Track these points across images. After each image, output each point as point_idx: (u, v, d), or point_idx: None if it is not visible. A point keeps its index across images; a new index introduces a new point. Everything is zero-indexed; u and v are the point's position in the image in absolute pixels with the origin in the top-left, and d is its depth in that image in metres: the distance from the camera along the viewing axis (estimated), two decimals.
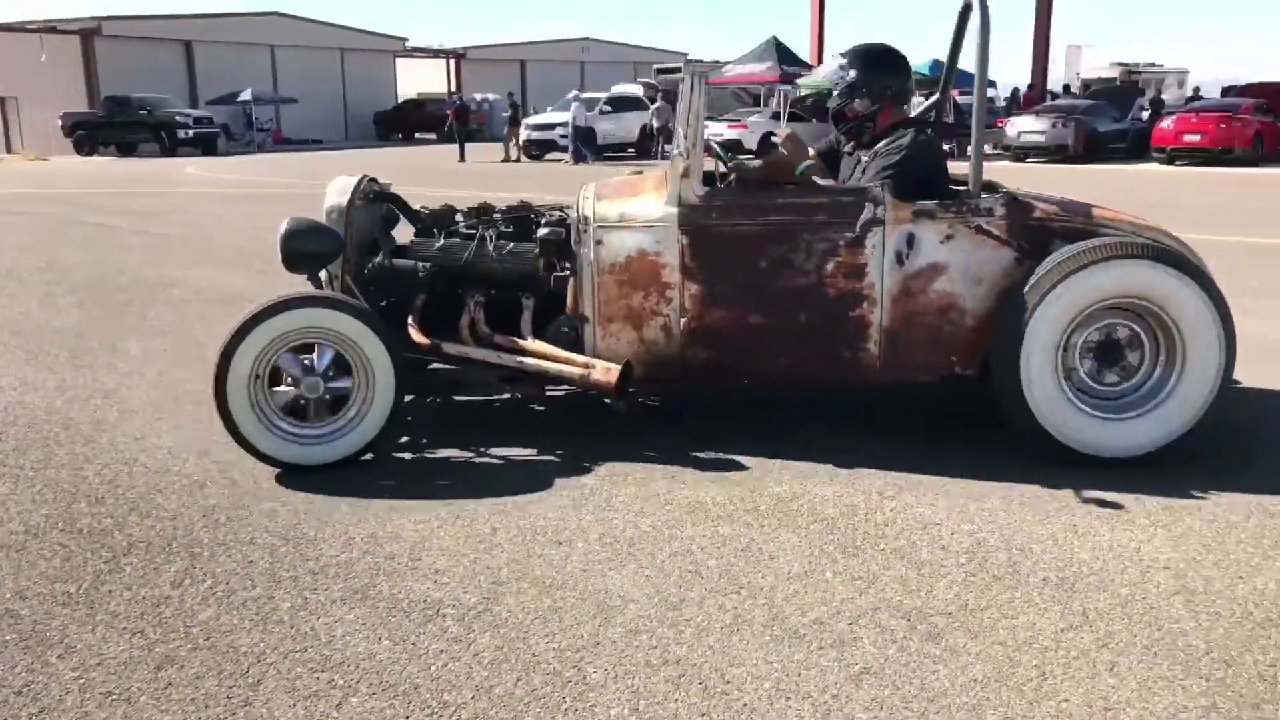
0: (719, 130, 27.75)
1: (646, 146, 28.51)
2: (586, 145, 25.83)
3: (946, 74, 5.08)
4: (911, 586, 2.96)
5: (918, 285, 4.00)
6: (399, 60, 50.31)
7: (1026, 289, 3.82)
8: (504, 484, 3.79)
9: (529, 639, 2.71)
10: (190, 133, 32.64)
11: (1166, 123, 22.82)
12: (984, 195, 4.03)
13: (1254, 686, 2.45)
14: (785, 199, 4.05)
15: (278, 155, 32.30)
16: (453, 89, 47.46)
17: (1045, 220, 4.01)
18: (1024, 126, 24.35)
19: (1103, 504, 3.53)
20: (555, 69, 50.21)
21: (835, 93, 4.34)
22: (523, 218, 4.53)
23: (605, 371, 3.98)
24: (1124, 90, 30.36)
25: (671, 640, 2.69)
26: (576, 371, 4.04)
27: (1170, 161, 22.30)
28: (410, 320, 4.24)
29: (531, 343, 4.17)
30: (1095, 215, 4.11)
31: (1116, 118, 25.10)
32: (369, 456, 3.99)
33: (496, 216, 4.56)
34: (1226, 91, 29.01)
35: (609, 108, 28.37)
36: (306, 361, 3.92)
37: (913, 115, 4.64)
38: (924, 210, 3.95)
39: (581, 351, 4.14)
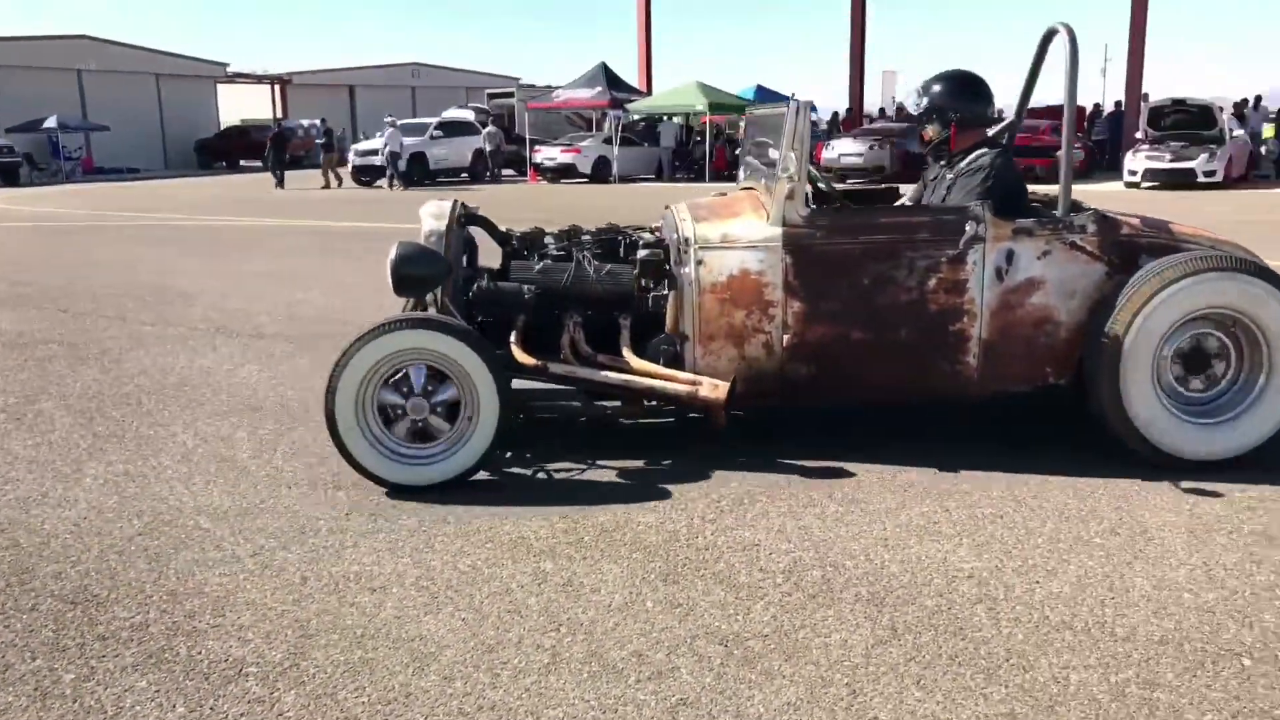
0: (553, 154, 27.99)
1: (479, 170, 28.33)
2: (403, 170, 25.32)
3: (1024, 98, 5.16)
4: (730, 611, 2.98)
5: (1016, 299, 4.17)
6: (221, 86, 48.43)
7: (1125, 301, 4.00)
8: (317, 530, 3.64)
9: (338, 694, 2.59)
10: None
11: None
12: (1074, 213, 4.21)
13: (1048, 690, 2.55)
14: (888, 218, 4.27)
15: (88, 185, 30.58)
16: (278, 115, 46.02)
17: (1133, 236, 4.24)
18: (843, 149, 25.30)
19: (912, 516, 3.66)
20: (385, 94, 49.29)
21: (914, 117, 4.62)
22: (612, 239, 4.63)
23: (713, 388, 4.05)
24: None
25: (487, 685, 2.61)
26: (684, 389, 4.11)
27: None
28: (513, 341, 4.28)
29: (636, 361, 4.23)
30: (1176, 231, 4.36)
31: None
32: (482, 474, 4.04)
33: (586, 238, 4.64)
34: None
35: (440, 133, 28.02)
36: (405, 390, 3.97)
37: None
38: (1023, 228, 4.14)
39: (680, 369, 4.23)
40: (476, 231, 4.87)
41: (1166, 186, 19.71)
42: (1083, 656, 2.70)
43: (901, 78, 50.75)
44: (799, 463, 4.22)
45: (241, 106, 49.32)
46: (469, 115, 32.49)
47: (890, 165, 24.37)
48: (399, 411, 3.94)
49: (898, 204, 5.01)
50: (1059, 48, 4.28)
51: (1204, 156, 19.71)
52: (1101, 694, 2.53)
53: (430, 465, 3.96)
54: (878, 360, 4.22)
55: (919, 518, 3.64)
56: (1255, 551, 3.33)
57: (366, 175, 26.79)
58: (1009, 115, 5.13)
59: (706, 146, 27.23)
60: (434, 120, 29.39)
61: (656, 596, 3.08)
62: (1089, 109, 29.67)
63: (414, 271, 4.13)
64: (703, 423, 4.28)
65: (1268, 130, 24.30)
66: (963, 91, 4.55)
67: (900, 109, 37.81)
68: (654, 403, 4.30)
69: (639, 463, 4.28)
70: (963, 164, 4.43)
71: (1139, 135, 21.72)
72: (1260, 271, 4.05)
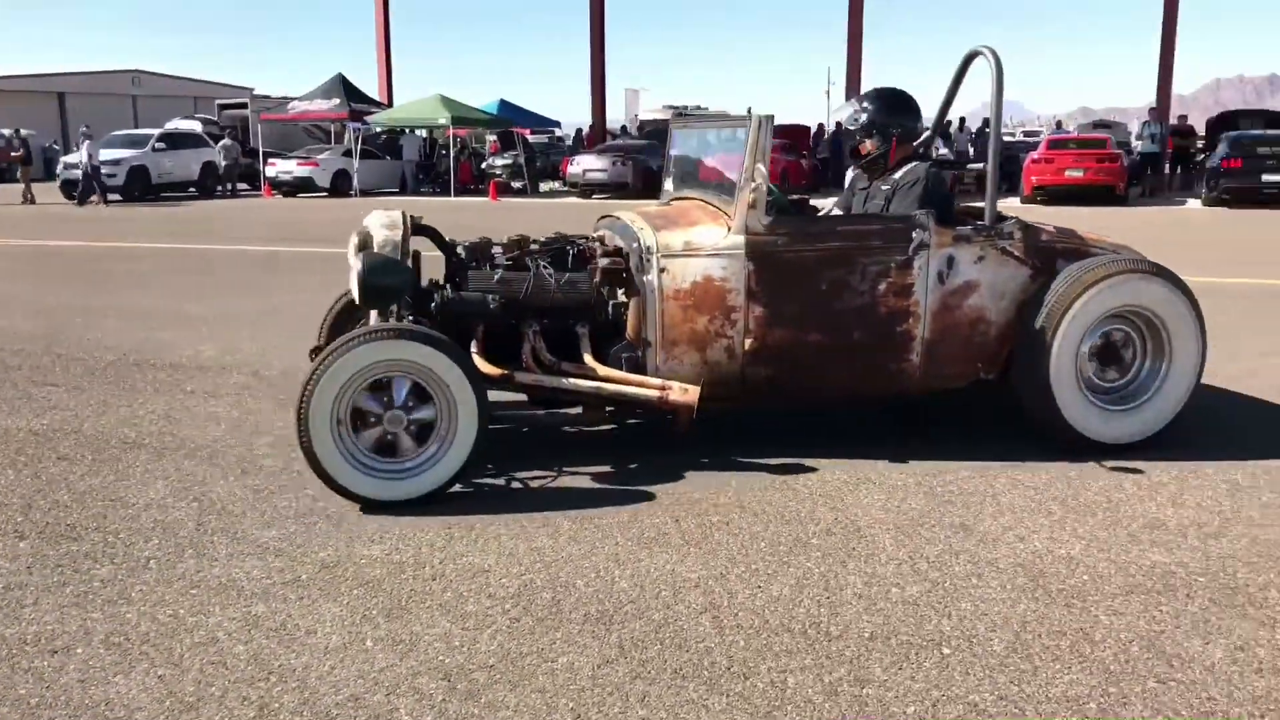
0: (288, 168, 26.78)
1: (209, 185, 26.68)
2: (107, 184, 23.49)
3: (940, 115, 5.50)
4: (455, 643, 2.87)
5: (954, 301, 4.46)
6: None
7: (1053, 301, 4.36)
8: None
9: None
10: None
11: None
12: (1000, 222, 4.54)
13: (767, 695, 2.60)
14: (844, 226, 4.51)
15: None
16: None
17: (1051, 242, 4.63)
18: (587, 165, 25.65)
19: (644, 529, 3.67)
20: (101, 103, 45.60)
21: (854, 131, 4.80)
22: (561, 248, 4.62)
23: (683, 393, 4.15)
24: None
25: None
26: (654, 394, 4.18)
27: None
28: (475, 351, 4.27)
29: (603, 368, 4.29)
30: (1085, 237, 4.78)
31: None
32: (457, 487, 3.99)
33: (534, 248, 4.61)
34: None
35: (163, 145, 26.18)
36: (385, 398, 3.90)
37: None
38: (962, 235, 4.46)
39: (642, 374, 4.29)
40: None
41: None
42: (800, 659, 2.78)
43: (645, 95, 52.13)
44: (532, 481, 4.18)
45: None
46: (196, 126, 30.60)
47: (633, 181, 24.90)
48: (372, 419, 3.88)
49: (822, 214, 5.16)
50: (982, 68, 4.65)
51: None
52: (816, 695, 2.60)
53: (404, 479, 3.89)
54: (832, 362, 4.44)
55: (650, 529, 3.67)
56: (954, 543, 3.56)
57: (75, 190, 24.59)
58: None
59: (451, 160, 26.89)
60: (156, 132, 27.44)
61: (378, 634, 2.93)
62: (814, 129, 31.47)
63: (383, 282, 4.05)
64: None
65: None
66: (902, 108, 4.80)
67: (643, 125, 38.83)
68: (611, 409, 4.38)
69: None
70: (897, 176, 4.71)
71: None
72: (1164, 271, 4.53)
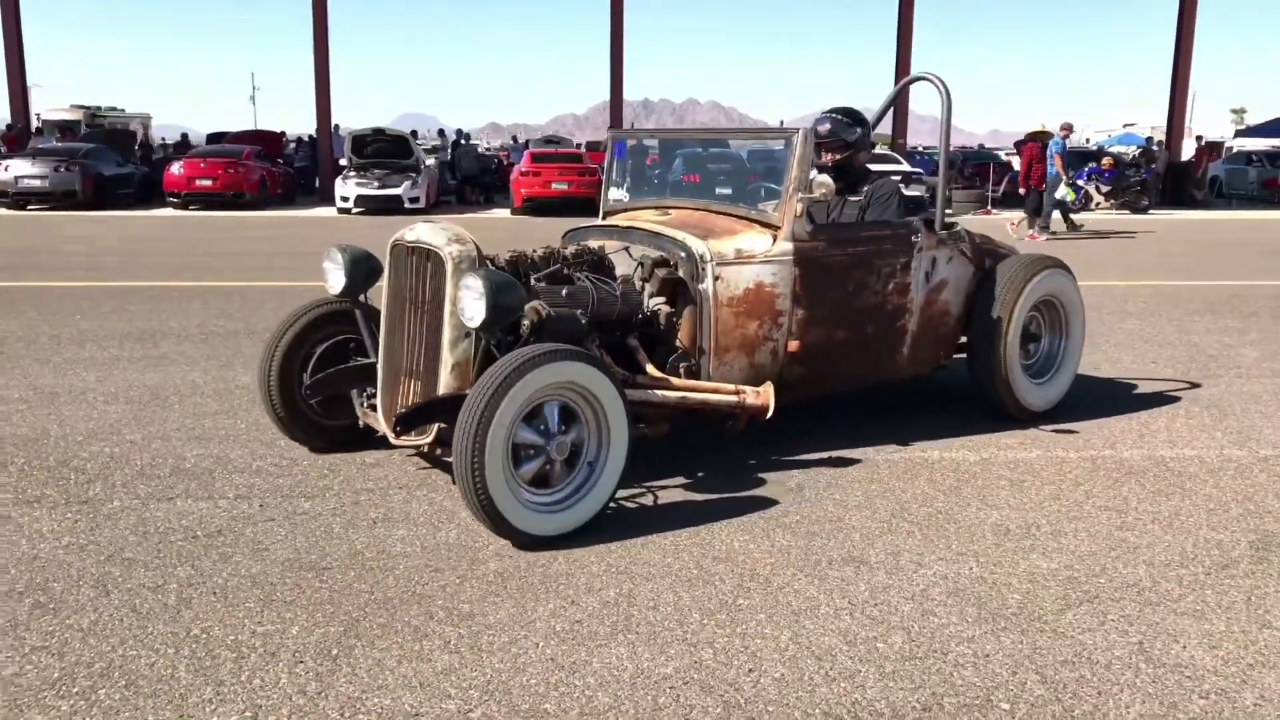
0: None
1: None
2: None
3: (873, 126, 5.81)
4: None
5: (934, 297, 5.10)
6: None
7: (1003, 294, 5.15)
8: None
9: None
10: None
11: (176, 167, 23.00)
12: (950, 228, 5.19)
13: None
14: (867, 231, 4.91)
15: None
16: None
17: (982, 244, 5.40)
18: (21, 170, 21.96)
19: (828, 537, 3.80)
20: None
21: (836, 144, 5.20)
22: (595, 260, 4.55)
23: (757, 395, 4.31)
24: (121, 134, 29.56)
25: None
26: (733, 399, 4.32)
27: (185, 206, 22.63)
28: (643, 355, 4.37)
29: (675, 379, 4.34)
30: (991, 238, 5.58)
31: (120, 162, 24.35)
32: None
33: (567, 259, 4.47)
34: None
35: None
36: (540, 426, 3.78)
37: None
38: (942, 238, 5.08)
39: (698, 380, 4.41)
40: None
41: (374, 212, 21.19)
42: None
43: (39, 92, 45.65)
44: (631, 501, 3.91)
45: None
46: None
47: (82, 189, 21.87)
48: (529, 452, 3.75)
49: None
50: (921, 91, 5.58)
51: (407, 184, 21.70)
52: None
53: (561, 511, 3.77)
54: (850, 356, 4.86)
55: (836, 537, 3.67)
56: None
57: None
58: None
59: None
60: None
61: None
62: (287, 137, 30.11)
63: (508, 301, 3.87)
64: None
65: None
66: (861, 123, 5.33)
67: (50, 125, 34.03)
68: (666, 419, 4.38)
69: None
70: (868, 188, 5.25)
71: (343, 162, 22.90)
72: (1064, 265, 5.52)
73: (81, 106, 39.06)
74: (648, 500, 4.24)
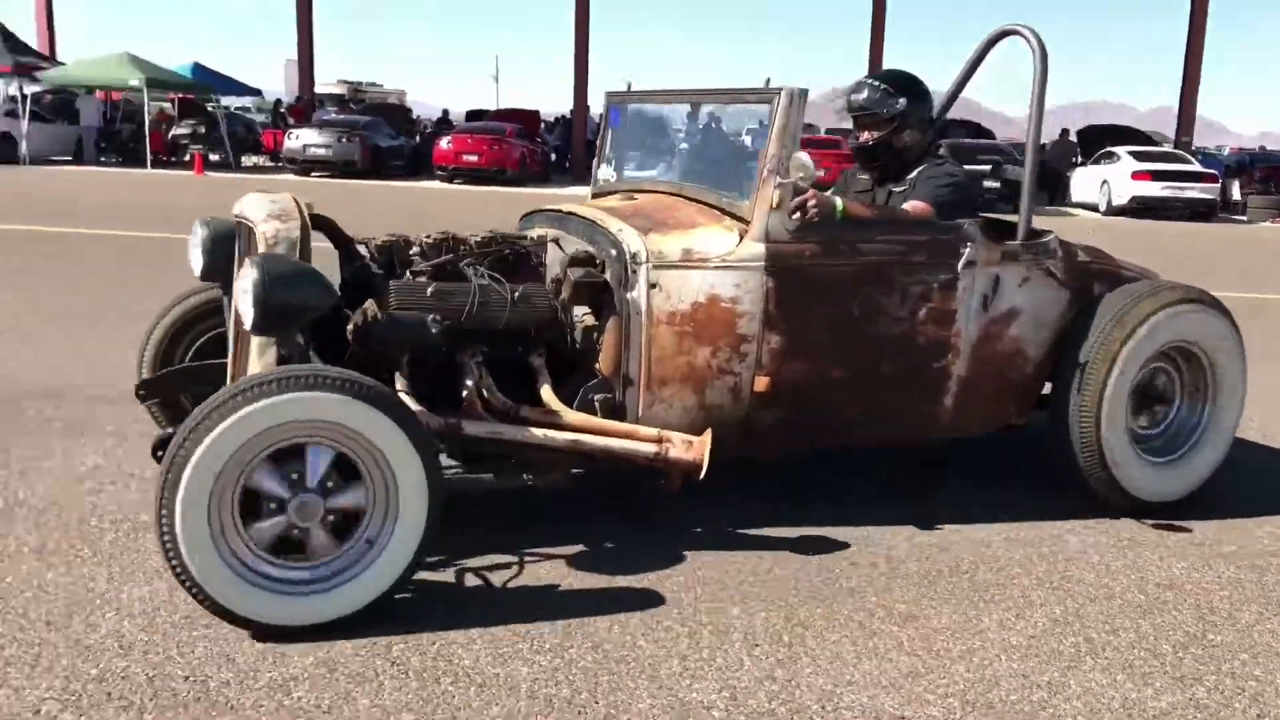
0: None
1: None
2: None
3: (949, 102, 4.71)
4: None
5: (996, 331, 3.74)
6: None
7: (1104, 331, 3.72)
8: None
9: None
10: None
11: (445, 142, 24.13)
12: (1039, 237, 3.90)
13: None
14: (888, 234, 3.60)
15: None
16: None
17: (1087, 263, 3.98)
18: (309, 139, 23.60)
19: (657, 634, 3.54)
20: None
21: (878, 119, 3.89)
22: (501, 252, 3.62)
23: (688, 446, 3.21)
24: (394, 109, 31.37)
25: None
26: (650, 448, 3.23)
27: (451, 179, 23.71)
28: (403, 391, 3.19)
29: (573, 413, 3.30)
30: (1110, 256, 4.15)
31: (392, 134, 25.87)
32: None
33: (464, 249, 3.57)
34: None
35: None
36: (294, 475, 2.75)
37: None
38: (1010, 251, 3.74)
39: (619, 421, 3.36)
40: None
41: None
42: None
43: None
44: (490, 573, 3.23)
45: None
46: None
47: (360, 160, 23.39)
48: (272, 506, 2.74)
49: None
50: (1009, 49, 4.16)
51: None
52: None
53: (318, 594, 2.76)
54: (855, 403, 3.64)
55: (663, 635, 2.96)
56: None
57: None
58: None
59: (145, 127, 23.86)
60: None
61: None
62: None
63: (291, 298, 2.92)
64: None
65: None
66: (927, 94, 4.02)
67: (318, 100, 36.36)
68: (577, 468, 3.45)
69: None
70: (915, 173, 3.93)
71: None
72: (1215, 302, 3.98)
73: (345, 81, 41.61)
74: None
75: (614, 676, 2.71)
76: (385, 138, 24.99)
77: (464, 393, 3.26)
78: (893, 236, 3.61)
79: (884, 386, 3.64)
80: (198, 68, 26.39)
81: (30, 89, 23.69)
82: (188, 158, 24.63)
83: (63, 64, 25.65)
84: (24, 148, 22.74)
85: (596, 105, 26.15)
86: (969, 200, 3.89)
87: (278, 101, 31.69)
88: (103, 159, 24.72)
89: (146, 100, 24.08)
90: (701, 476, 3.21)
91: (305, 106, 29.04)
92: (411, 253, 3.57)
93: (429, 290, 3.34)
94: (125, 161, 24.21)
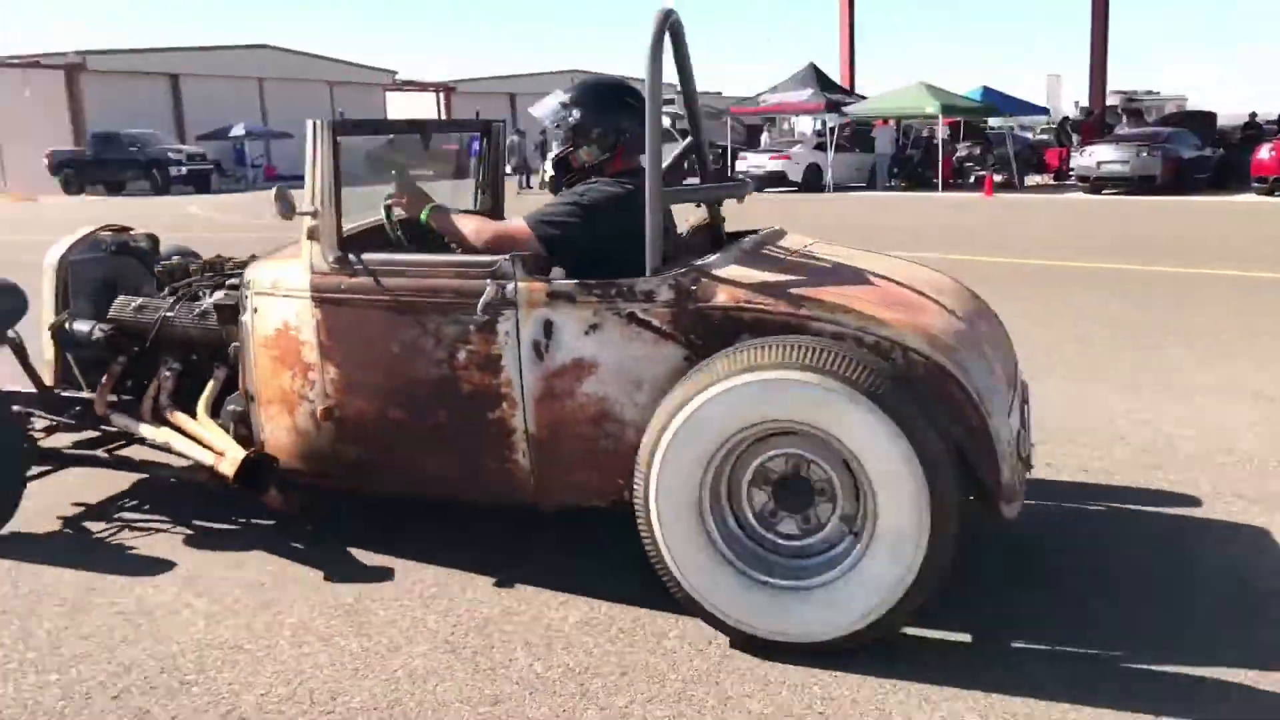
0: (760, 161, 25.68)
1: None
2: None
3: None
4: None
5: (565, 387, 3.17)
6: (390, 93, 48.13)
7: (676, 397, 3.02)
8: None
9: None
10: (184, 170, 30.61)
11: (1265, 151, 20.89)
12: (658, 274, 3.07)
13: None
14: (414, 269, 3.31)
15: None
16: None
17: (737, 308, 3.02)
18: (1102, 155, 22.30)
19: None
20: (218, 86, 39.97)
21: (557, 138, 3.51)
22: (218, 273, 4.11)
23: (228, 463, 3.47)
24: (1200, 116, 28.34)
25: None
26: (205, 457, 3.59)
27: (1270, 192, 20.42)
28: (102, 384, 3.95)
29: (184, 417, 3.74)
30: (812, 297, 3.00)
31: (1198, 145, 23.26)
32: None
33: (217, 268, 4.17)
34: None
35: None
36: None
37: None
38: (561, 291, 3.13)
39: (250, 434, 3.63)
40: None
41: None
42: None
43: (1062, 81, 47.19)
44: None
45: (408, 113, 48.79)
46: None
47: (1161, 175, 21.36)
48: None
49: None
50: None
51: None
52: None
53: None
54: (421, 448, 3.42)
55: None
56: None
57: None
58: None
59: (939, 154, 24.71)
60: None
61: None
62: None
63: None
64: None
65: None
66: (630, 107, 3.45)
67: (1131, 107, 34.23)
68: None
69: None
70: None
71: None
72: (875, 383, 2.78)
73: (1119, 91, 38.62)
74: None
75: None
76: (1191, 149, 22.56)
77: (148, 392, 3.89)
78: (422, 273, 3.30)
79: (444, 433, 3.36)
80: (986, 90, 26.55)
81: (833, 123, 25.99)
82: (972, 180, 24.95)
83: (863, 97, 27.74)
84: (828, 176, 25.03)
85: None
86: (589, 231, 3.29)
87: (1064, 119, 30.42)
88: (891, 184, 26.16)
89: (941, 126, 24.89)
90: (238, 486, 3.42)
91: (1095, 122, 27.50)
92: (191, 270, 4.19)
93: (133, 304, 4.04)
94: (913, 185, 25.35)
